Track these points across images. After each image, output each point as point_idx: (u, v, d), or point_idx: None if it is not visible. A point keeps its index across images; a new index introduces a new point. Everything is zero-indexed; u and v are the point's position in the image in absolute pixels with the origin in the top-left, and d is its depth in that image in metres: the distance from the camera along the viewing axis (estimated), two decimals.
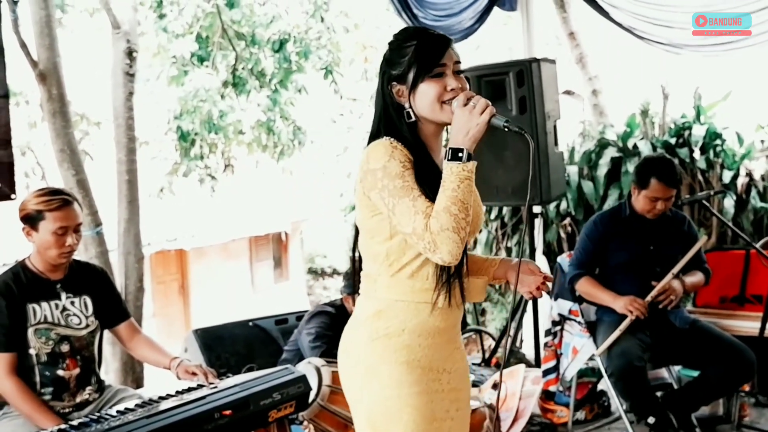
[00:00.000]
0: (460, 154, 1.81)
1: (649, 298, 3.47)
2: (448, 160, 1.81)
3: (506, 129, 1.86)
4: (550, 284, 2.07)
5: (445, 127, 1.97)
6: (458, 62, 1.92)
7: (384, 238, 1.89)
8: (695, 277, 3.62)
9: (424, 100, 1.88)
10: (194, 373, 2.82)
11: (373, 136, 1.95)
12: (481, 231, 7.06)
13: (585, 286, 3.67)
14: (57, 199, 2.76)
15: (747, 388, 3.87)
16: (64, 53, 5.08)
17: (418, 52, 1.89)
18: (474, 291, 2.02)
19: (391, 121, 1.92)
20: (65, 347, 2.78)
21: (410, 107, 1.91)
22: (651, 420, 3.48)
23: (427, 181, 1.84)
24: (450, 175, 1.80)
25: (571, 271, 3.73)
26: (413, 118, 1.92)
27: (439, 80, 1.88)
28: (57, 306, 2.79)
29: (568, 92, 10.34)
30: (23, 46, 4.88)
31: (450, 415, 1.96)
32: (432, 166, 1.89)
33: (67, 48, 6.87)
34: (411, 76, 1.88)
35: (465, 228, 1.79)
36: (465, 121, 1.82)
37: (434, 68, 1.88)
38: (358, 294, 2.03)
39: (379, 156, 1.84)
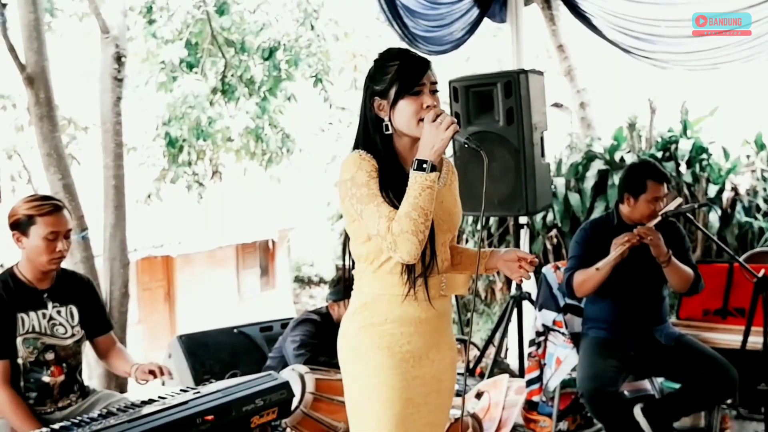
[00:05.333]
0: (424, 165, 2.01)
1: (635, 231, 3.42)
2: (414, 170, 2.01)
3: (466, 145, 2.13)
4: (530, 268, 2.18)
5: None
6: (435, 83, 2.12)
7: (363, 240, 2.11)
8: (683, 265, 3.54)
9: (402, 115, 2.08)
10: (151, 372, 2.87)
11: (355, 145, 2.16)
12: (467, 241, 7.08)
13: (580, 276, 3.56)
14: (48, 204, 2.78)
15: (729, 400, 3.89)
16: (52, 57, 5.06)
17: (400, 71, 2.08)
18: (455, 284, 2.20)
19: (368, 132, 2.14)
20: (50, 356, 2.79)
21: (389, 121, 2.10)
22: None
23: (394, 186, 2.05)
24: (414, 184, 2.00)
25: (565, 276, 3.70)
26: (390, 131, 2.12)
27: (416, 98, 2.07)
28: (44, 315, 2.80)
29: (556, 105, 10.40)
30: (11, 49, 4.87)
31: (429, 401, 2.14)
32: (400, 174, 2.08)
33: (56, 52, 6.85)
34: (392, 92, 2.08)
35: (424, 231, 1.99)
36: (432, 136, 2.02)
37: (414, 87, 2.07)
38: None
39: (348, 168, 2.06)
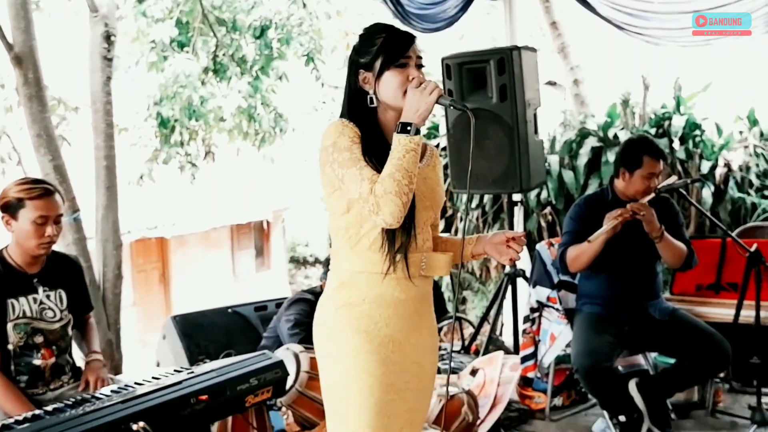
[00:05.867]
0: (408, 128, 1.99)
1: (628, 206, 3.42)
2: (398, 132, 2.00)
3: (452, 107, 2.11)
4: (518, 247, 2.16)
5: None
6: (420, 57, 2.11)
7: (342, 212, 2.07)
8: (676, 241, 3.55)
9: (388, 87, 2.07)
10: (87, 381, 2.87)
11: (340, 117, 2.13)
12: (462, 219, 7.07)
13: (573, 251, 3.58)
14: (38, 187, 2.75)
15: (722, 374, 3.91)
16: (40, 37, 4.99)
17: (386, 43, 2.08)
18: (436, 265, 2.14)
19: (353, 104, 2.12)
20: (39, 339, 2.78)
21: (374, 93, 2.09)
22: (622, 418, 3.50)
23: (377, 155, 2.02)
24: (397, 146, 1.99)
25: (559, 251, 3.70)
26: (375, 104, 2.10)
27: (402, 70, 2.07)
28: (35, 300, 2.79)
29: (550, 83, 10.36)
30: None
31: (410, 387, 2.07)
32: (383, 145, 2.05)
33: (44, 31, 6.77)
34: (378, 64, 2.08)
35: (407, 194, 1.96)
36: (416, 101, 2.01)
37: (399, 58, 2.07)
38: None
39: (330, 134, 2.03)
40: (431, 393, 2.22)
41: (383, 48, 2.07)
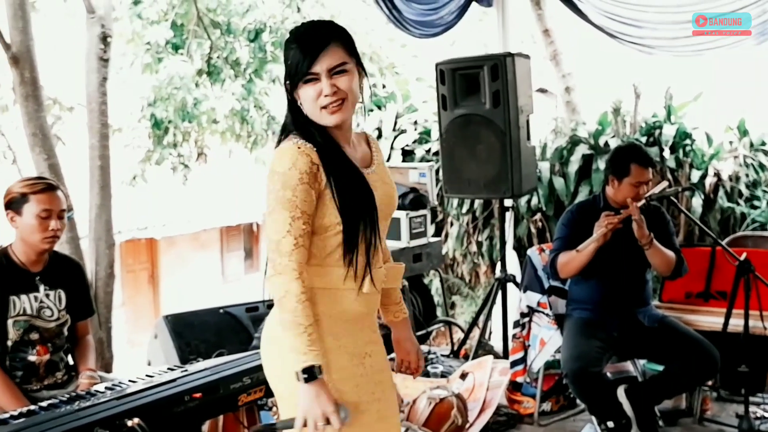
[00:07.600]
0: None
1: (622, 213, 3.46)
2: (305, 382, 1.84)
3: None
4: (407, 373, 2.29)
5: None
6: (343, 63, 1.90)
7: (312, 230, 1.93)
8: (665, 249, 3.57)
9: (305, 102, 1.92)
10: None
11: (283, 129, 1.99)
12: (452, 224, 7.10)
13: (564, 257, 3.61)
14: (42, 183, 2.82)
15: (710, 382, 3.95)
16: (37, 37, 5.01)
17: (294, 57, 1.90)
18: (396, 276, 2.14)
19: (297, 115, 1.95)
20: (35, 335, 2.81)
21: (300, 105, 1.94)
22: (610, 424, 3.53)
23: (344, 177, 1.90)
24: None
25: (550, 257, 3.74)
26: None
27: (313, 84, 1.89)
28: (36, 298, 2.82)
29: (542, 90, 10.42)
30: None
31: (377, 397, 2.00)
32: (345, 164, 1.93)
33: (41, 32, 6.78)
34: (291, 79, 1.92)
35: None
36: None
37: (304, 77, 1.89)
38: None
39: (283, 162, 1.86)
40: (396, 399, 2.16)
41: (292, 62, 1.90)
